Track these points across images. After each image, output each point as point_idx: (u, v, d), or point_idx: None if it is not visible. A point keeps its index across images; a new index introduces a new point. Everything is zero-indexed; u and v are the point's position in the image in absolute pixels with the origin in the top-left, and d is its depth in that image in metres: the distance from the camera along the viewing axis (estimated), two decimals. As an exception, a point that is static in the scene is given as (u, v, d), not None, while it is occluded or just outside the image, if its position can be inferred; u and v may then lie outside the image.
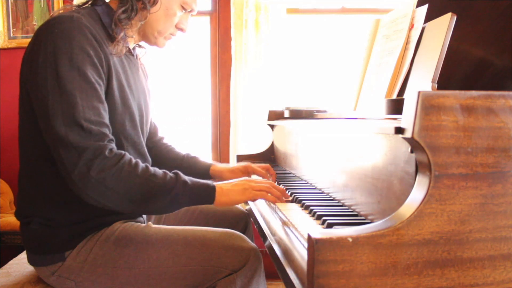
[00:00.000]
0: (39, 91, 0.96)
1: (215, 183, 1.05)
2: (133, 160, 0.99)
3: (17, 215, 1.10)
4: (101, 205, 0.98)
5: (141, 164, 0.99)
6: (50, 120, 0.94)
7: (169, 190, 0.98)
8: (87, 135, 0.94)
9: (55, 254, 1.05)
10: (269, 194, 1.05)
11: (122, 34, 1.09)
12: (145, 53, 1.32)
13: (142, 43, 1.29)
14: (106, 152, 0.95)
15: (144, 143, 1.23)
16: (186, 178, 1.02)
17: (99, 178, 0.93)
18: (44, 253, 1.06)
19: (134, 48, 1.27)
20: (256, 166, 1.38)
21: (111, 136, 1.00)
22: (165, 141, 1.52)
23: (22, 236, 1.10)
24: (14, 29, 2.55)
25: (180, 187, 0.99)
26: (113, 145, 0.98)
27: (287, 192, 1.17)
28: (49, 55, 0.95)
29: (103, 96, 1.02)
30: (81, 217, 1.07)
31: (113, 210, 1.02)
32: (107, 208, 1.00)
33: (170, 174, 1.01)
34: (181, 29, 1.22)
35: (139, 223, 1.16)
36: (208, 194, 1.03)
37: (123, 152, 0.99)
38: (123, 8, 1.09)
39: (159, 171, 1.00)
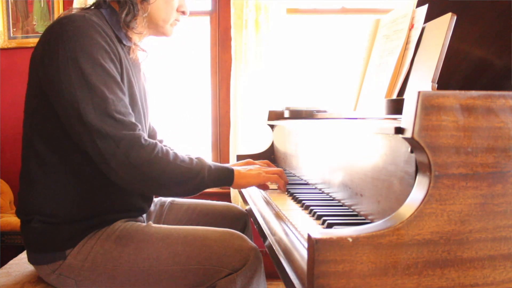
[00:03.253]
0: (64, 89, 0.98)
1: (233, 167, 1.15)
2: (164, 148, 1.05)
3: (18, 213, 1.11)
4: (138, 189, 1.07)
5: (171, 152, 1.06)
6: (82, 115, 0.98)
7: (197, 174, 1.06)
8: (120, 125, 0.99)
9: (56, 252, 1.06)
10: (280, 179, 1.19)
11: (135, 37, 1.14)
12: (147, 57, 1.34)
13: (143, 45, 1.30)
14: (142, 141, 1.01)
15: None
16: (210, 162, 1.11)
17: (138, 165, 0.99)
18: (44, 251, 1.06)
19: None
20: (257, 162, 1.42)
21: (139, 126, 1.05)
22: (164, 143, 1.53)
23: (23, 234, 1.10)
24: (14, 29, 2.55)
25: (206, 170, 1.08)
26: (145, 134, 1.05)
27: (287, 192, 1.19)
28: (69, 53, 0.98)
29: (124, 88, 1.07)
30: (82, 215, 1.08)
31: (146, 193, 1.16)
32: (141, 193, 1.13)
33: (195, 159, 1.09)
34: (183, 12, 1.24)
35: (140, 223, 1.16)
36: (228, 177, 1.12)
37: (155, 141, 1.05)
38: (125, 11, 1.11)
39: (186, 157, 1.08)
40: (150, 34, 1.25)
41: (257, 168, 1.20)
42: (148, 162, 1.00)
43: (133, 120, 1.03)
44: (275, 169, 1.22)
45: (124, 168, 0.99)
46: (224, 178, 1.11)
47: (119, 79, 1.05)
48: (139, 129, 1.04)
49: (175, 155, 1.06)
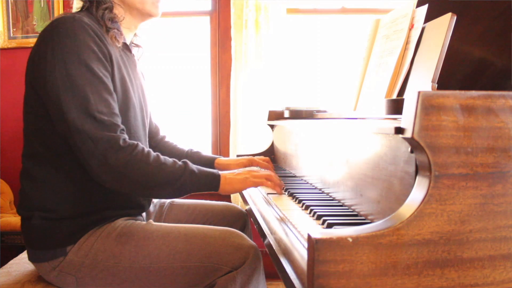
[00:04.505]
0: (50, 88, 1.01)
1: (220, 172, 1.12)
2: (145, 149, 1.05)
3: (19, 210, 1.12)
4: (117, 189, 1.06)
5: (153, 153, 1.06)
6: (65, 115, 1.00)
7: (178, 177, 1.05)
8: (100, 125, 1.00)
9: (56, 249, 1.07)
10: (268, 182, 1.13)
11: (111, 24, 1.13)
12: (143, 53, 1.35)
13: (140, 41, 1.33)
14: (120, 142, 1.01)
15: (146, 136, 1.27)
16: (194, 167, 1.09)
17: (115, 166, 1.00)
18: (45, 248, 1.07)
19: (131, 45, 1.29)
20: (258, 159, 1.46)
21: (122, 126, 1.06)
22: (167, 139, 1.56)
23: (24, 232, 1.11)
24: (14, 29, 2.55)
25: (188, 175, 1.06)
26: (125, 135, 1.05)
27: (287, 192, 1.19)
28: (57, 53, 1.01)
29: (111, 88, 1.07)
30: (82, 211, 1.09)
31: (128, 194, 1.14)
32: (123, 192, 1.10)
33: (179, 163, 1.08)
34: None
35: (140, 221, 1.17)
36: (213, 182, 1.10)
37: (135, 142, 1.05)
38: (95, 5, 1.13)
39: (169, 160, 1.07)
40: (137, 21, 1.25)
41: (246, 171, 1.15)
42: (126, 163, 1.00)
43: (115, 120, 1.03)
44: (263, 173, 1.16)
45: (103, 168, 1.00)
46: (209, 183, 1.09)
47: (106, 79, 1.05)
48: (121, 130, 1.04)
49: (157, 157, 1.05)
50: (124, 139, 1.03)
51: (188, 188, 1.07)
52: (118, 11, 1.18)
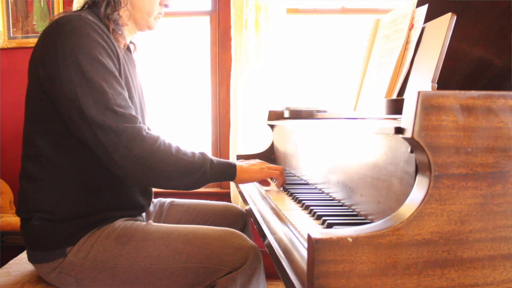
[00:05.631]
0: (66, 88, 1.01)
1: (236, 162, 1.16)
2: (167, 141, 1.08)
3: (18, 211, 1.12)
4: (140, 180, 1.09)
5: (174, 145, 1.08)
6: (83, 111, 1.00)
7: (199, 167, 1.08)
8: (121, 118, 1.01)
9: (56, 250, 1.06)
10: (281, 175, 1.21)
11: (115, 25, 1.14)
12: (136, 49, 1.36)
13: (134, 39, 1.34)
14: (144, 133, 1.03)
15: None
16: (212, 157, 1.13)
17: (140, 157, 1.01)
18: (45, 249, 1.07)
19: (129, 45, 1.30)
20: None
21: (140, 119, 1.07)
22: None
23: (23, 233, 1.11)
24: (14, 29, 2.55)
25: (208, 165, 1.09)
26: (146, 126, 1.06)
27: (287, 192, 1.19)
28: (68, 51, 1.01)
29: (123, 83, 1.09)
30: (81, 212, 1.09)
31: (148, 185, 1.18)
32: (143, 184, 1.15)
33: (198, 153, 1.11)
34: (166, 5, 1.27)
35: (140, 222, 1.17)
36: (231, 172, 1.14)
37: (157, 134, 1.06)
38: (105, 4, 1.14)
39: (188, 151, 1.10)
40: (136, 30, 1.27)
41: (259, 163, 1.21)
42: (150, 153, 1.02)
43: (133, 113, 1.05)
44: (277, 166, 1.24)
45: (127, 160, 1.01)
46: (227, 172, 1.13)
47: (117, 74, 1.07)
48: (140, 122, 1.05)
49: (178, 148, 1.08)
50: (146, 130, 1.04)
51: (208, 177, 1.09)
52: (125, 14, 1.19)
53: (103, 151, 1.02)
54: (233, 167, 1.14)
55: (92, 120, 0.99)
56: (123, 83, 1.08)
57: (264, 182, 1.26)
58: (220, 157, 2.56)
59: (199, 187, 1.12)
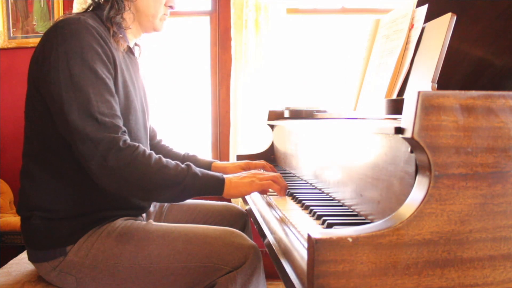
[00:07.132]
0: (53, 89, 1.01)
1: (224, 176, 1.09)
2: (147, 152, 1.04)
3: (18, 210, 1.12)
4: (117, 192, 1.04)
5: (154, 156, 1.04)
6: (66, 115, 0.99)
7: (181, 180, 1.02)
8: (102, 127, 0.99)
9: (56, 249, 1.07)
10: (275, 184, 1.10)
11: (117, 28, 1.14)
12: (141, 52, 1.36)
13: (139, 41, 1.33)
14: (121, 143, 1.00)
15: (147, 139, 1.27)
16: (197, 170, 1.06)
17: (115, 168, 0.98)
18: (45, 248, 1.07)
19: (134, 47, 1.30)
20: (255, 162, 1.47)
21: (124, 128, 1.05)
22: (163, 142, 1.57)
23: (23, 232, 1.11)
24: (14, 29, 2.55)
25: (191, 178, 1.03)
26: (126, 137, 1.03)
27: (287, 192, 1.18)
28: (61, 54, 1.01)
29: (113, 90, 1.07)
30: (82, 211, 1.09)
31: (127, 197, 1.13)
32: (122, 195, 1.08)
33: (182, 165, 1.06)
34: (171, 7, 1.26)
35: (140, 221, 1.17)
36: (218, 186, 1.07)
37: (136, 144, 1.03)
38: (108, 6, 1.14)
39: (171, 163, 1.05)
40: (142, 31, 1.27)
41: (251, 175, 1.12)
42: (124, 165, 0.99)
43: (116, 122, 1.03)
44: (269, 174, 1.13)
45: (103, 170, 0.99)
46: (213, 187, 1.06)
47: (108, 81, 1.05)
48: (123, 132, 1.03)
49: (158, 159, 1.03)
50: (125, 141, 1.01)
51: (191, 192, 1.04)
52: (129, 17, 1.19)
53: (81, 158, 1.00)
54: (221, 181, 1.07)
55: (72, 126, 0.98)
56: (113, 90, 1.06)
57: (260, 192, 1.16)
58: (220, 158, 2.57)
59: (182, 200, 1.09)
